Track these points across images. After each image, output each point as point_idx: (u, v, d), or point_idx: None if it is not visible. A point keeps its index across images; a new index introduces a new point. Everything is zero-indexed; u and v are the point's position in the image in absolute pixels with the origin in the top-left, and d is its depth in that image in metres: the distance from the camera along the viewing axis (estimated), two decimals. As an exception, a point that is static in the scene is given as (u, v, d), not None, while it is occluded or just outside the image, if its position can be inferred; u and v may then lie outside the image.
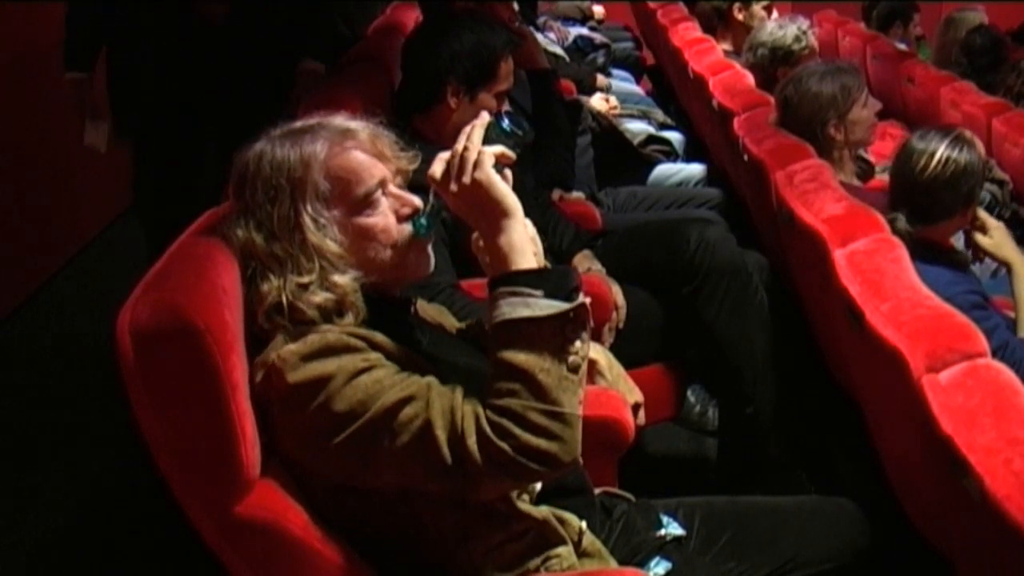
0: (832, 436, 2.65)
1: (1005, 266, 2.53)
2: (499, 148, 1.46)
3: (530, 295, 1.39)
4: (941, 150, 2.40)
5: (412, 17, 3.91)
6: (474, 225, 1.49)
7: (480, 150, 1.44)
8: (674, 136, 4.39)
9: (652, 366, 2.55)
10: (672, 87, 5.12)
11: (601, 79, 5.01)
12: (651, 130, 4.41)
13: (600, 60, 5.60)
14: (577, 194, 3.35)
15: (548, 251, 2.75)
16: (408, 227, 1.54)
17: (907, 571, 1.84)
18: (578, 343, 1.40)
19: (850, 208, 2.18)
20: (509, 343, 1.39)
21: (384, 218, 1.52)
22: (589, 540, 1.58)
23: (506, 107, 1.46)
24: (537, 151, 3.33)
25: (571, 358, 1.39)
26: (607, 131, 4.01)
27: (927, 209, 2.42)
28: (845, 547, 1.75)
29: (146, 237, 2.96)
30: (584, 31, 5.93)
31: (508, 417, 1.36)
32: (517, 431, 1.35)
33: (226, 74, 2.80)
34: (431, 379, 1.42)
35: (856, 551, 1.75)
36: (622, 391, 2.01)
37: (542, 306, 1.38)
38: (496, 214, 1.44)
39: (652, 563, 1.64)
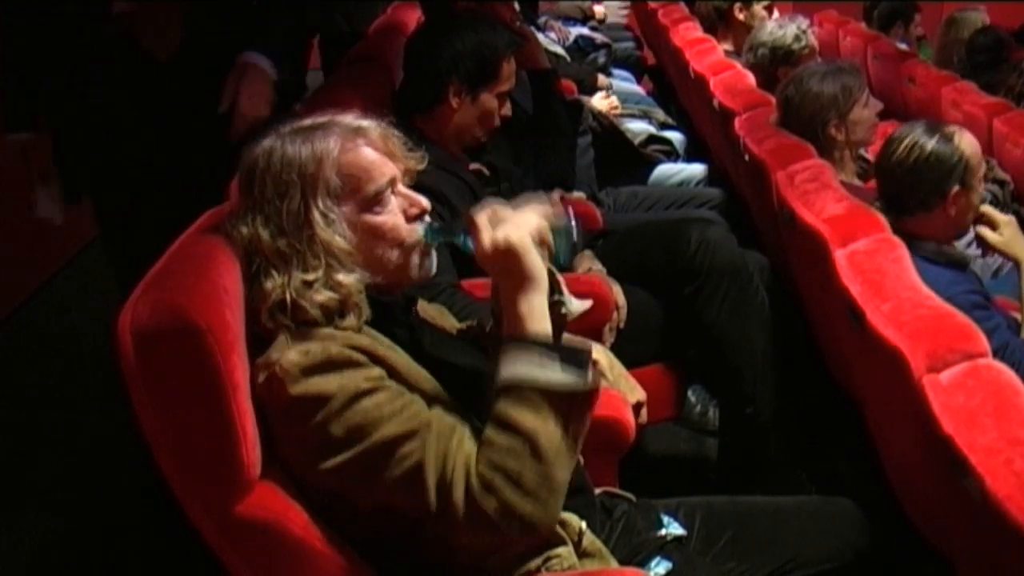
0: (832, 436, 2.64)
1: (1014, 263, 2.48)
2: (545, 227, 1.46)
3: (545, 363, 1.40)
4: (911, 136, 2.39)
5: (413, 17, 3.91)
6: (494, 277, 1.50)
7: (528, 220, 1.45)
8: (675, 136, 4.39)
9: (652, 366, 2.55)
10: (673, 87, 5.12)
11: (602, 79, 5.01)
12: (652, 130, 4.41)
13: (601, 60, 5.60)
14: (578, 194, 3.35)
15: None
16: (417, 228, 1.54)
17: (907, 571, 1.84)
18: (581, 419, 1.42)
19: (851, 208, 2.18)
20: (518, 402, 1.39)
21: (393, 217, 1.53)
22: (589, 540, 1.58)
23: (573, 221, 1.46)
24: (538, 151, 3.33)
25: (573, 429, 1.41)
26: (608, 131, 4.01)
27: (897, 196, 2.40)
28: (845, 547, 1.75)
29: (116, 274, 2.60)
30: (585, 31, 5.94)
31: (501, 474, 1.37)
32: (507, 491, 1.37)
33: (178, 113, 2.46)
34: (433, 414, 1.43)
35: (856, 551, 1.75)
36: (623, 391, 2.02)
37: (558, 378, 1.39)
38: (521, 278, 1.44)
39: (653, 563, 1.64)
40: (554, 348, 1.42)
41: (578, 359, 1.41)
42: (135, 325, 1.34)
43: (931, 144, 2.36)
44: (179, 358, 1.34)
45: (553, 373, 1.39)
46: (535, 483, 1.37)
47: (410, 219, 1.54)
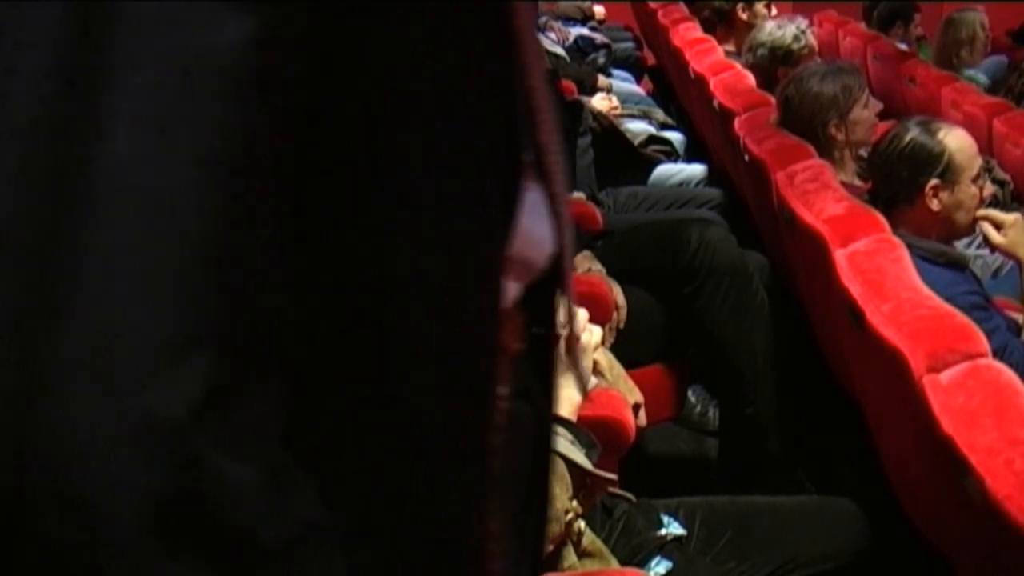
0: (832, 436, 2.64)
1: (1017, 263, 2.45)
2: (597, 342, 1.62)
3: (573, 448, 1.49)
4: (897, 127, 2.39)
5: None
6: None
7: (595, 329, 1.60)
8: (675, 136, 4.39)
9: (652, 366, 2.55)
10: (673, 87, 5.12)
11: (602, 79, 5.01)
12: (652, 130, 4.40)
13: (601, 60, 5.59)
14: (578, 194, 3.34)
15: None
16: None
17: (907, 571, 1.84)
18: (581, 499, 1.49)
19: (851, 208, 2.18)
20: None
21: None
22: (590, 540, 1.58)
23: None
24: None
25: (574, 503, 1.48)
26: (608, 131, 4.01)
27: (880, 188, 2.41)
28: (845, 547, 1.75)
29: None
30: (585, 31, 5.93)
31: None
32: None
33: None
34: None
35: (856, 551, 1.75)
36: (622, 391, 2.01)
37: (582, 460, 1.48)
38: (575, 374, 1.53)
39: (653, 563, 1.65)
40: (578, 431, 1.51)
41: (594, 451, 1.52)
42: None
43: (912, 135, 2.35)
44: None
45: (580, 456, 1.48)
46: None
47: None
